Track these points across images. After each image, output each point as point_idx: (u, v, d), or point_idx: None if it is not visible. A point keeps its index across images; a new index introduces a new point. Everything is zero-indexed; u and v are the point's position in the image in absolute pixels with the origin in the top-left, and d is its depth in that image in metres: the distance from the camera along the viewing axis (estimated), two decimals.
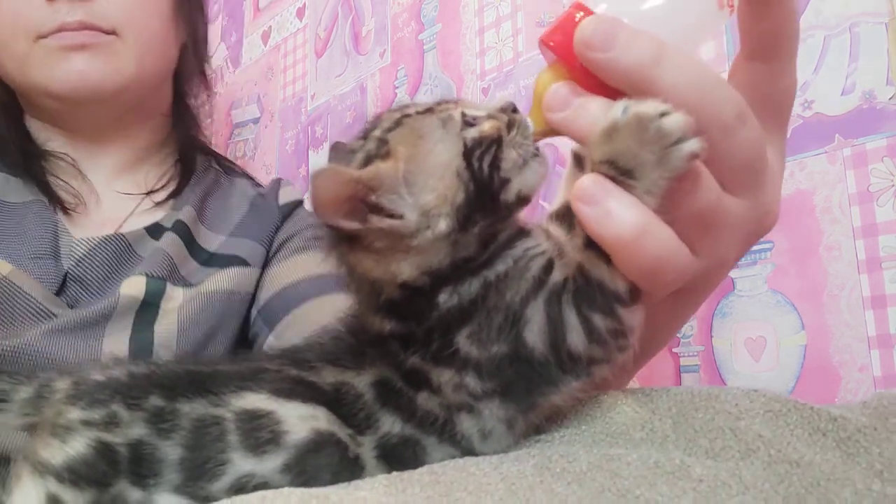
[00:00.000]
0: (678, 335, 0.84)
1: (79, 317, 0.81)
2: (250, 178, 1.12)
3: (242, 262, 0.95)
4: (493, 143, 0.44)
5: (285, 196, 1.06)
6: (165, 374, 0.44)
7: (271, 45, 1.56)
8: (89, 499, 0.40)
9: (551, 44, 0.43)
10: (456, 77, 1.14)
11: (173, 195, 0.98)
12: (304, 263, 0.96)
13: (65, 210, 0.91)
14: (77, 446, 0.40)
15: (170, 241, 0.91)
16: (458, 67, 1.14)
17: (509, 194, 0.44)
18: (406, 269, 0.43)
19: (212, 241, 0.97)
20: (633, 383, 0.89)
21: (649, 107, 0.39)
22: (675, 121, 0.39)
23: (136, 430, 0.41)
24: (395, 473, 0.40)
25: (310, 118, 1.42)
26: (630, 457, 0.37)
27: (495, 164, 0.43)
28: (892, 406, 0.40)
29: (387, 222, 0.42)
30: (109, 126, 0.97)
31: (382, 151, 0.44)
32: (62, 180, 0.93)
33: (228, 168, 1.11)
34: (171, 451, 0.40)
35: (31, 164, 0.92)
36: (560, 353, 0.42)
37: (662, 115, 0.39)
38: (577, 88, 0.42)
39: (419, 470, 0.40)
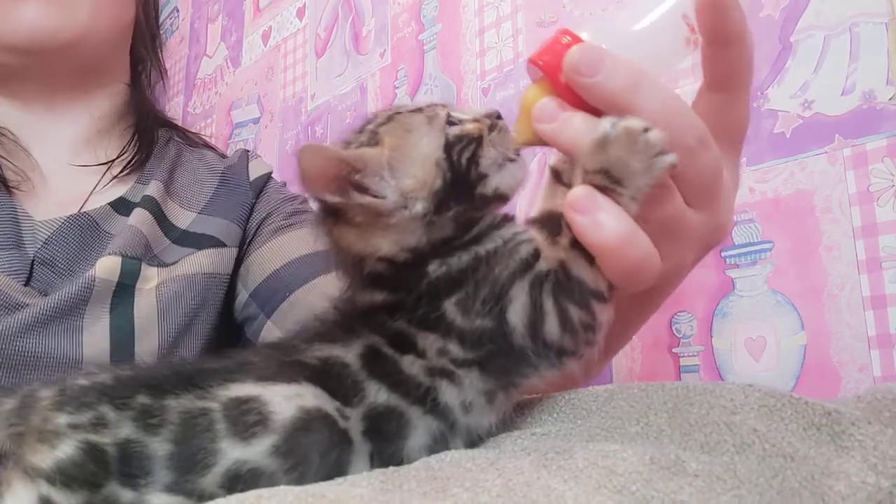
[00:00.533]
0: (678, 335, 0.84)
1: (52, 304, 0.78)
2: (215, 149, 1.09)
3: (218, 243, 0.93)
4: (474, 141, 0.48)
5: (255, 170, 1.03)
6: (152, 375, 0.44)
7: (271, 45, 1.56)
8: (81, 500, 0.40)
9: (540, 63, 0.48)
10: (456, 77, 1.14)
11: (135, 168, 0.95)
12: (290, 243, 0.94)
13: (7, 187, 0.87)
14: (66, 449, 0.40)
15: (141, 217, 0.88)
16: (458, 67, 1.14)
17: (487, 188, 0.48)
18: (385, 244, 0.47)
19: (183, 217, 0.94)
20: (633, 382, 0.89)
21: (636, 122, 0.44)
22: (658, 135, 0.44)
23: (124, 429, 0.41)
24: (391, 469, 0.40)
25: (310, 118, 1.42)
26: (626, 452, 0.37)
27: (474, 160, 0.48)
28: (885, 400, 0.40)
29: (366, 199, 0.46)
30: (66, 90, 0.94)
31: (372, 142, 0.49)
32: (2, 157, 0.89)
33: (192, 140, 1.08)
34: (159, 447, 0.40)
35: None
36: (537, 339, 0.45)
37: (646, 130, 0.44)
38: (564, 104, 0.47)
39: (415, 465, 0.40)
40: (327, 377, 0.44)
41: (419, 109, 0.50)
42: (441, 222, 0.47)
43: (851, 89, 0.74)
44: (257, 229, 0.98)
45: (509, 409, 0.48)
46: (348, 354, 0.46)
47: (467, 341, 0.45)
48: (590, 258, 0.45)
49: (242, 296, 0.94)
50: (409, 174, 0.47)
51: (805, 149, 0.76)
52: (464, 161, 0.48)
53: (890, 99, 0.71)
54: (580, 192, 0.44)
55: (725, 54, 0.50)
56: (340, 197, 0.46)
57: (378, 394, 0.44)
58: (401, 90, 1.23)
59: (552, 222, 0.48)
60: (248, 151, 1.09)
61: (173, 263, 0.88)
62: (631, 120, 0.44)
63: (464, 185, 0.48)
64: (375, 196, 0.46)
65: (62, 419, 0.41)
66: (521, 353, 0.45)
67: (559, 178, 0.51)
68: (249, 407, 0.41)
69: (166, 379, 0.43)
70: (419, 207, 0.46)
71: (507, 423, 0.48)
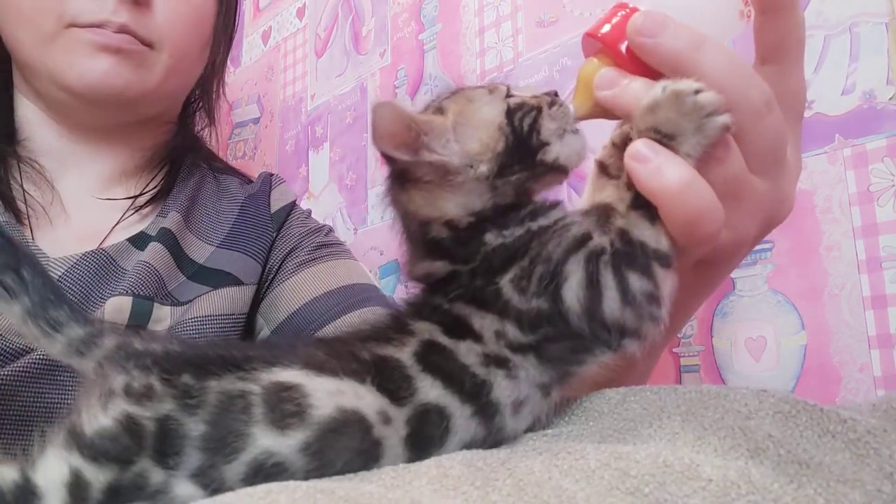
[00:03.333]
0: (678, 335, 0.84)
1: None
2: (238, 174, 1.06)
3: (235, 281, 0.90)
4: (534, 110, 0.51)
5: (277, 201, 1.01)
6: (197, 355, 0.44)
7: (271, 45, 1.56)
8: (110, 477, 0.39)
9: (600, 35, 0.49)
10: (456, 77, 1.14)
11: (158, 199, 0.93)
12: (315, 279, 0.92)
13: (18, 218, 0.83)
14: (110, 416, 0.40)
15: (155, 252, 0.85)
16: (458, 67, 1.14)
17: (548, 156, 0.50)
18: (451, 207, 0.49)
19: (200, 251, 0.91)
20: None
21: (685, 84, 0.45)
22: (709, 96, 0.45)
23: (166, 405, 0.40)
24: (401, 465, 0.40)
25: (310, 118, 1.42)
26: (639, 454, 0.37)
27: (535, 127, 0.50)
28: None
29: (434, 156, 0.48)
30: (112, 130, 0.92)
31: (438, 113, 0.51)
32: (24, 189, 0.85)
33: (215, 166, 1.05)
34: (194, 427, 0.40)
35: None
36: (594, 320, 0.45)
37: (697, 91, 0.45)
38: (623, 72, 0.49)
39: (426, 462, 0.40)
40: (378, 371, 0.44)
41: (481, 86, 0.53)
42: (504, 188, 0.49)
43: (851, 89, 0.74)
44: (280, 265, 0.95)
45: (552, 407, 0.48)
46: (402, 353, 0.45)
47: (525, 323, 0.45)
48: (651, 216, 0.45)
49: (264, 332, 0.91)
50: (474, 138, 0.49)
51: (805, 149, 0.76)
52: (525, 126, 0.50)
53: (890, 99, 0.71)
54: (640, 144, 0.45)
55: (776, 23, 0.50)
56: (409, 156, 0.48)
57: (431, 389, 0.43)
58: (401, 90, 1.23)
59: (599, 214, 0.48)
60: (271, 176, 1.05)
61: (187, 303, 0.85)
62: (682, 82, 0.45)
63: (526, 150, 0.50)
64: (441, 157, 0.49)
65: (120, 380, 0.41)
66: (578, 337, 0.45)
67: (606, 171, 0.50)
68: (290, 395, 0.41)
69: (211, 361, 0.43)
70: (484, 168, 0.49)
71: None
